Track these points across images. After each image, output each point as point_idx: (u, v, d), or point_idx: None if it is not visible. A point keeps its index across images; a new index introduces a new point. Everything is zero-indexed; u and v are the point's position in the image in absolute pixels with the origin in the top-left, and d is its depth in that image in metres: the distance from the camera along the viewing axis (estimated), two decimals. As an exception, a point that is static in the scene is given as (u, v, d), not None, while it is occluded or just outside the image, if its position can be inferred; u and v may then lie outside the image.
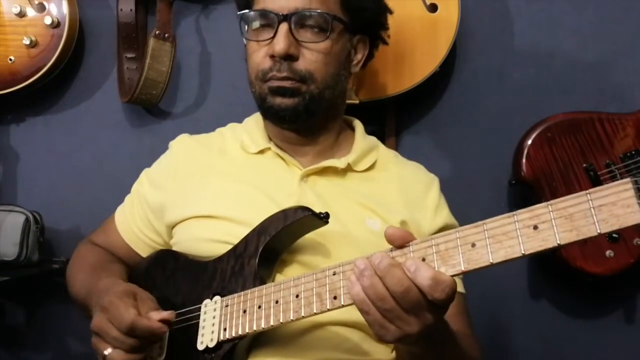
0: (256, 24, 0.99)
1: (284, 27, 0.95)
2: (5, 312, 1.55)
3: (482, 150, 1.49)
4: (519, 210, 0.64)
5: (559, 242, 0.61)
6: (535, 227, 0.62)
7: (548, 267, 1.47)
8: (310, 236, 0.91)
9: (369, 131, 1.48)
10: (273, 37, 0.96)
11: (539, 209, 0.63)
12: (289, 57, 0.95)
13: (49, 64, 1.41)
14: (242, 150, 1.06)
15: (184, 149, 1.09)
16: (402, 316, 0.67)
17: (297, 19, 0.95)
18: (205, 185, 1.02)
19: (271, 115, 1.00)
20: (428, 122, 1.51)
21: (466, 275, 1.41)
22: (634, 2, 1.47)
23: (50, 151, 1.55)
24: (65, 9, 1.41)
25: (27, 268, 1.42)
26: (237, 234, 0.93)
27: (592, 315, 1.48)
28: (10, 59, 1.42)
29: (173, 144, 1.12)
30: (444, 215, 1.06)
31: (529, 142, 1.36)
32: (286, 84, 0.96)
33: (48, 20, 1.40)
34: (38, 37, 1.41)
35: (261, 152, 1.04)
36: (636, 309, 1.48)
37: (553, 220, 0.62)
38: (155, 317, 0.82)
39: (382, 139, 1.47)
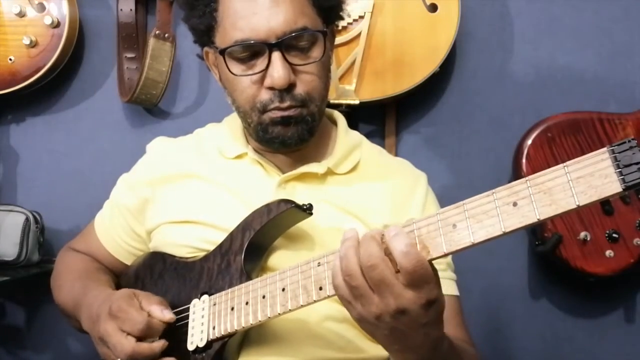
0: (242, 57, 0.90)
1: (277, 55, 0.87)
2: (5, 312, 1.55)
3: (482, 150, 1.49)
4: (498, 188, 0.63)
5: (538, 217, 0.59)
6: (515, 204, 0.61)
7: (548, 267, 1.46)
8: (290, 241, 0.91)
9: (369, 131, 1.51)
10: (267, 68, 0.89)
11: (518, 185, 0.61)
12: (290, 86, 0.90)
13: (49, 64, 1.41)
14: (220, 155, 1.02)
15: (161, 153, 1.07)
16: (367, 294, 0.65)
17: (288, 44, 0.88)
18: (181, 190, 1.00)
19: (276, 145, 0.95)
20: (428, 122, 1.51)
21: (466, 274, 1.42)
22: (634, 2, 1.47)
23: (50, 151, 1.55)
24: (65, 9, 1.42)
25: (27, 268, 1.42)
26: (211, 239, 0.93)
27: (592, 315, 1.48)
28: (10, 59, 1.42)
29: (150, 147, 1.10)
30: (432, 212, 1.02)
31: (529, 142, 1.36)
32: (290, 112, 0.91)
33: (48, 20, 1.40)
34: (38, 37, 1.41)
35: (239, 156, 1.01)
36: (636, 309, 1.47)
37: (532, 195, 0.60)
38: (166, 316, 0.85)
39: (382, 139, 1.49)
